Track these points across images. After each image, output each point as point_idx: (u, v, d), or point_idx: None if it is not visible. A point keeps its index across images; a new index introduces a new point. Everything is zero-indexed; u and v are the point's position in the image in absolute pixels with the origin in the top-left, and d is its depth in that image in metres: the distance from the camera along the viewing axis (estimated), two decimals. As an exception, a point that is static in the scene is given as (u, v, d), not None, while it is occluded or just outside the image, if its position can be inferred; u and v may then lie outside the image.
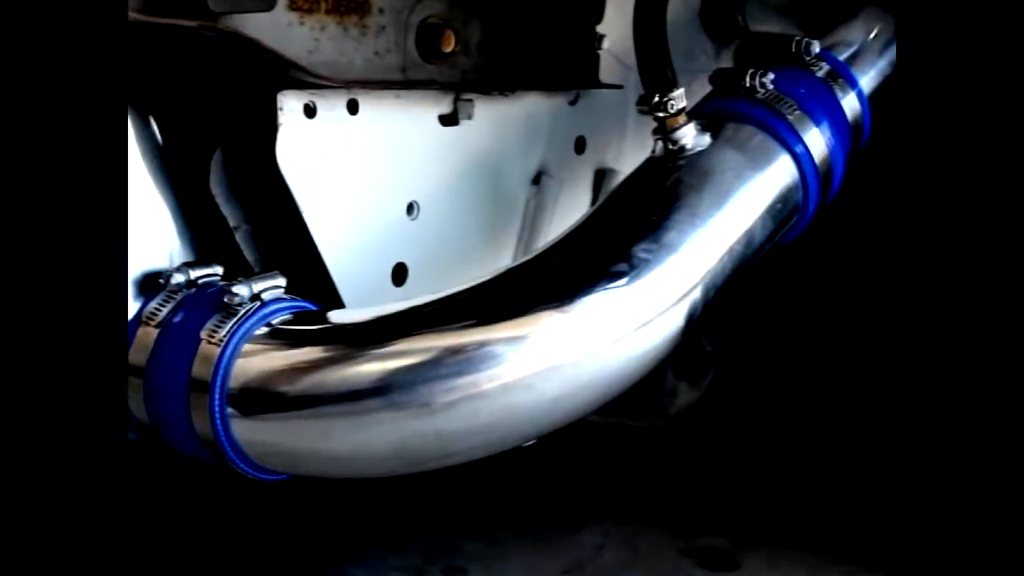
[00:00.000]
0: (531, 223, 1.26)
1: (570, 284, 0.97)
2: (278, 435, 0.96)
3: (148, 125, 1.05)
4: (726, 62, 1.42)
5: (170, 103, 1.06)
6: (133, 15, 0.87)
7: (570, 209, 1.31)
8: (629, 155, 1.36)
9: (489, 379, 0.93)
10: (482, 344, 0.93)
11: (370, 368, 0.93)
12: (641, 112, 1.07)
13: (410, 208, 1.16)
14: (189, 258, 1.06)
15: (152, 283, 1.03)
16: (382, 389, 0.93)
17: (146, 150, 1.04)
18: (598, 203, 1.05)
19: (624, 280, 0.98)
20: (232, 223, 1.09)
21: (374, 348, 0.94)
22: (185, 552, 1.51)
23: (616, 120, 1.35)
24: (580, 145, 1.32)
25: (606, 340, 0.97)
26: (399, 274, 1.16)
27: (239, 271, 1.07)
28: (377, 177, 1.12)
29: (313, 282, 1.09)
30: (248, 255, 1.10)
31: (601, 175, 1.34)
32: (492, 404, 0.94)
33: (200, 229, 1.08)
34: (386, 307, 1.01)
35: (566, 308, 0.96)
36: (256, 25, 0.97)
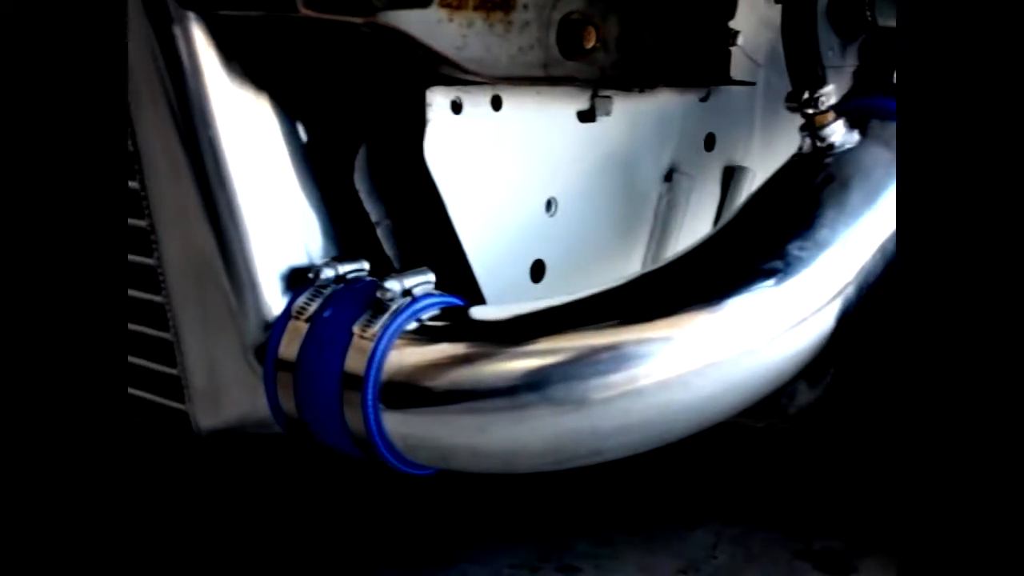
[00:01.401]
0: (663, 220, 1.26)
1: (724, 282, 0.96)
2: (431, 429, 0.96)
3: (293, 123, 1.06)
4: (851, 58, 1.41)
5: (317, 101, 1.07)
6: (303, 11, 0.87)
7: (700, 207, 1.30)
8: (756, 152, 1.35)
9: (645, 376, 0.93)
10: (639, 342, 0.93)
11: (527, 364, 0.93)
12: (790, 109, 1.06)
13: (548, 205, 1.16)
14: (331, 254, 1.07)
15: (299, 278, 1.04)
16: (539, 385, 0.93)
17: (291, 148, 1.05)
18: (745, 201, 1.05)
19: (778, 278, 0.97)
20: (374, 218, 1.10)
21: (530, 344, 0.94)
22: (303, 541, 1.52)
23: (745, 117, 1.34)
24: (710, 142, 1.31)
25: (761, 338, 0.96)
26: (537, 271, 1.16)
27: (379, 266, 1.08)
28: (518, 173, 1.12)
29: (455, 278, 1.09)
30: (388, 250, 1.10)
31: (730, 172, 1.33)
32: (647, 402, 0.94)
33: (341, 225, 1.09)
34: (530, 304, 1.01)
35: (721, 306, 0.95)
36: (409, 22, 0.97)
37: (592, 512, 1.61)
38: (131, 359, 1.14)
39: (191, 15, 0.99)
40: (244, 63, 1.02)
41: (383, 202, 1.10)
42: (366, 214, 1.09)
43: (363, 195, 1.08)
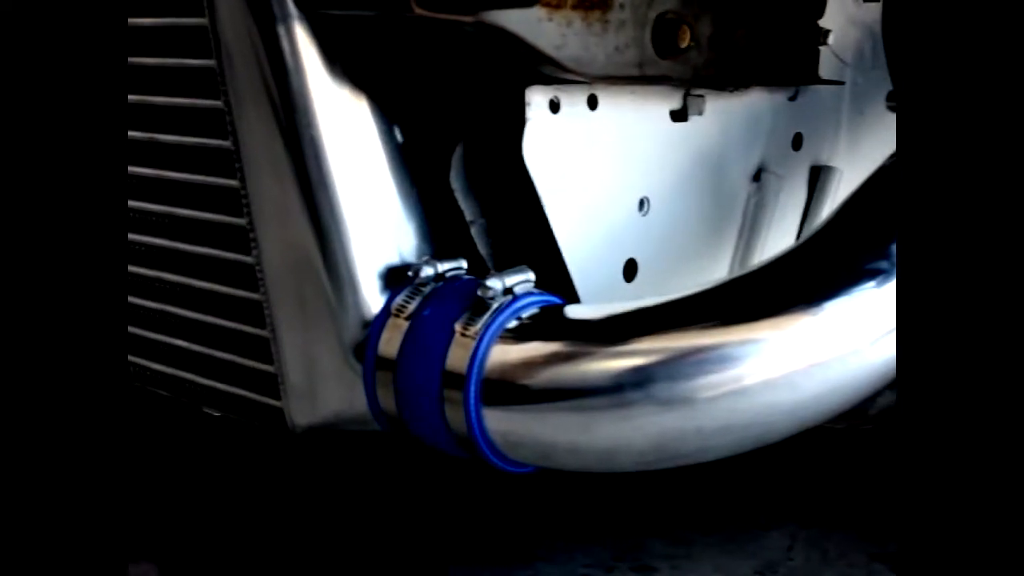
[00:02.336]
0: (751, 220, 1.25)
1: (829, 282, 0.96)
2: (533, 427, 0.96)
3: (390, 122, 1.06)
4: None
5: (414, 100, 1.07)
6: (417, 11, 0.88)
7: (787, 206, 1.29)
8: (843, 152, 1.34)
9: (751, 376, 0.92)
10: (744, 341, 0.93)
11: (632, 362, 0.93)
12: (891, 108, 1.06)
13: (641, 204, 1.16)
14: (426, 253, 1.07)
15: (396, 277, 1.05)
16: (644, 383, 0.92)
17: (389, 147, 1.06)
18: (846, 200, 1.04)
19: (882, 278, 0.96)
20: (468, 217, 1.10)
21: (634, 342, 0.94)
22: (381, 535, 1.53)
23: (832, 117, 1.33)
24: (798, 142, 1.30)
25: (865, 339, 0.95)
26: (630, 270, 1.16)
27: (472, 265, 1.08)
28: (612, 172, 1.12)
29: (550, 277, 1.09)
30: (482, 249, 1.11)
31: (816, 172, 1.33)
32: (752, 401, 0.93)
33: (436, 224, 1.09)
34: (628, 303, 1.01)
35: (826, 306, 0.94)
36: (513, 21, 0.97)
37: (667, 512, 1.61)
38: (228, 356, 1.16)
39: (295, 15, 1.00)
40: (344, 63, 1.02)
41: (478, 201, 1.10)
42: (460, 213, 1.09)
43: (458, 194, 1.09)
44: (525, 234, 1.09)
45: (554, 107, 1.06)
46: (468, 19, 0.92)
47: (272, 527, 1.57)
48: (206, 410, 1.24)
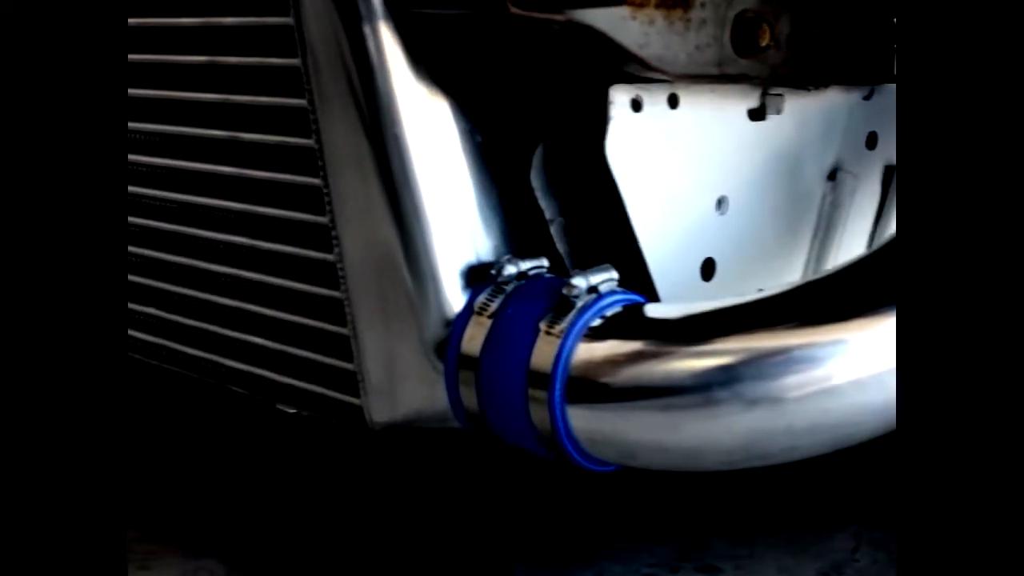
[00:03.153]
0: (826, 219, 1.25)
1: (917, 281, 0.95)
2: (620, 427, 0.96)
3: (472, 121, 1.06)
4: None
5: (496, 99, 1.07)
6: (513, 10, 0.88)
7: (861, 206, 1.29)
8: (916, 151, 1.33)
9: (840, 376, 0.92)
10: (833, 341, 0.92)
11: (720, 361, 0.93)
12: None
13: (719, 203, 1.15)
14: (506, 251, 1.07)
15: (478, 275, 1.05)
16: (733, 382, 0.92)
17: (471, 146, 1.06)
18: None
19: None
20: (548, 216, 1.10)
21: (722, 341, 0.94)
22: (446, 532, 1.54)
23: (905, 116, 1.32)
24: (872, 141, 1.30)
25: (954, 338, 0.95)
26: (707, 269, 1.15)
27: (550, 264, 1.09)
28: (692, 171, 1.12)
29: (629, 275, 1.09)
30: (560, 248, 1.11)
31: (890, 172, 1.32)
32: (842, 401, 0.93)
33: (516, 222, 1.09)
34: (710, 302, 1.01)
35: (914, 305, 0.94)
36: (600, 19, 0.97)
37: (730, 513, 1.60)
38: (306, 353, 1.16)
39: (381, 13, 1.00)
40: (429, 61, 1.03)
41: (557, 200, 1.10)
42: (540, 212, 1.10)
43: (538, 193, 1.09)
44: (605, 233, 1.09)
45: (636, 106, 1.07)
46: (560, 18, 0.92)
47: (336, 521, 1.58)
48: (280, 407, 1.25)
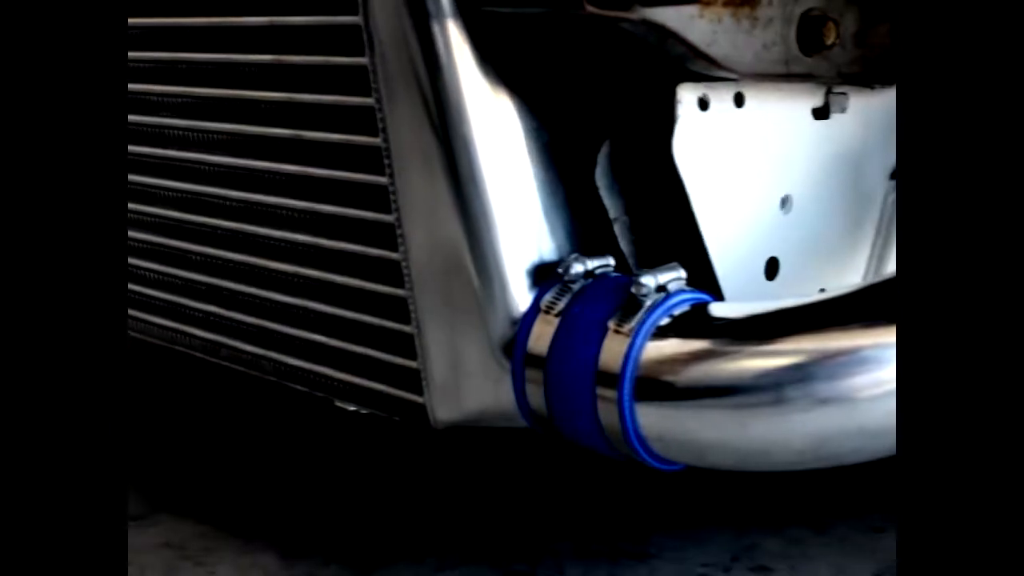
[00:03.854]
0: (889, 219, 1.24)
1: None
2: (690, 426, 0.96)
3: (539, 120, 1.06)
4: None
5: (563, 98, 1.07)
6: (588, 8, 0.88)
7: (923, 205, 1.28)
8: (977, 150, 1.33)
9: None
10: (906, 340, 0.92)
11: (792, 360, 0.93)
12: None
13: (783, 202, 1.15)
14: (571, 250, 1.07)
15: (544, 273, 1.05)
16: (805, 381, 0.92)
17: (538, 145, 1.06)
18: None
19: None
20: (612, 215, 1.10)
21: (793, 341, 0.94)
22: (496, 526, 1.54)
23: (967, 114, 1.31)
24: (933, 140, 1.29)
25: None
26: (771, 268, 1.15)
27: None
28: (757, 170, 1.12)
29: (694, 274, 1.08)
30: (624, 247, 1.11)
31: (952, 171, 1.31)
32: (914, 401, 0.92)
33: (581, 221, 1.09)
34: (776, 302, 1.01)
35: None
36: (669, 18, 0.97)
37: (782, 512, 1.60)
38: (368, 351, 1.17)
39: (449, 12, 1.00)
40: (497, 60, 1.03)
41: (622, 198, 1.10)
42: (604, 210, 1.09)
43: (603, 191, 1.09)
44: (670, 231, 1.09)
45: (703, 105, 1.06)
46: (634, 16, 0.92)
47: (389, 515, 1.59)
48: (340, 405, 1.26)
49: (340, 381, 1.21)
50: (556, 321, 1.02)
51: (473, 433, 1.71)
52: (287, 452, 1.84)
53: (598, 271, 1.04)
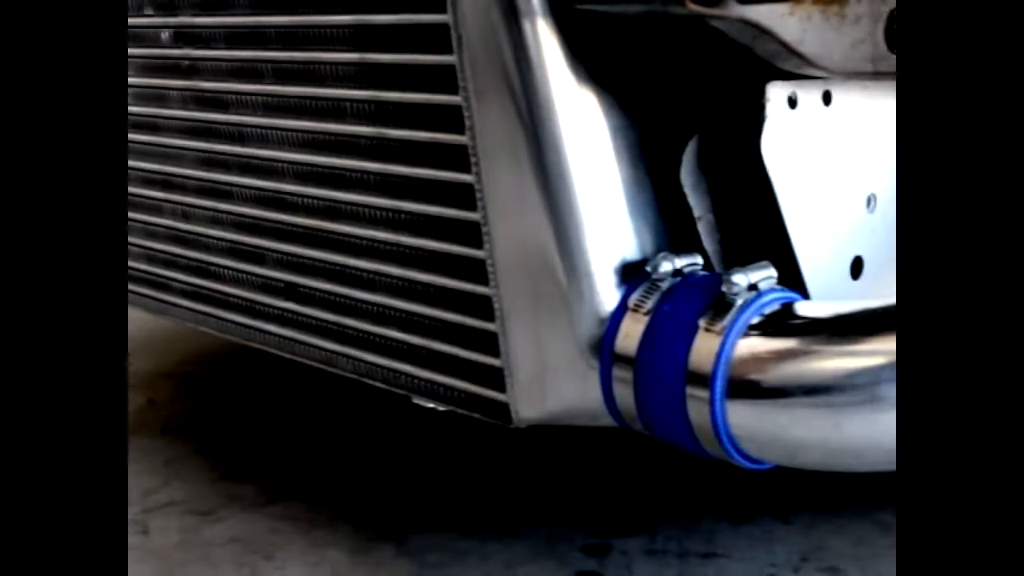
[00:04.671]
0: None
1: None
2: (782, 426, 0.96)
3: (628, 118, 1.06)
4: None
5: (651, 96, 1.07)
6: (691, 7, 0.88)
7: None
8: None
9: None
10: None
11: (887, 360, 0.92)
12: None
13: (869, 201, 1.14)
14: (656, 248, 1.07)
15: (630, 272, 1.05)
16: (901, 382, 0.91)
17: (626, 143, 1.06)
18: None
19: None
20: (696, 213, 1.10)
21: (886, 340, 0.93)
22: (563, 526, 1.55)
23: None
24: (1016, 138, 1.28)
25: None
26: (856, 267, 1.14)
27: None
28: (843, 169, 1.12)
29: (781, 273, 1.08)
30: (708, 246, 1.10)
31: (1033, 169, 1.30)
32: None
33: (667, 219, 1.09)
34: (863, 301, 1.00)
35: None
36: (762, 16, 0.97)
37: (851, 513, 1.59)
38: (450, 349, 1.17)
39: (540, 10, 1.00)
40: (587, 58, 1.03)
41: (706, 197, 1.10)
42: (688, 209, 1.09)
43: (688, 190, 1.08)
44: (756, 230, 1.09)
45: (792, 103, 1.06)
46: (731, 14, 0.91)
47: (455, 509, 1.60)
48: (417, 402, 1.26)
49: (420, 378, 1.22)
50: (645, 320, 1.02)
51: (543, 431, 1.72)
52: (355, 448, 1.85)
53: (686, 269, 1.04)
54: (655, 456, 1.72)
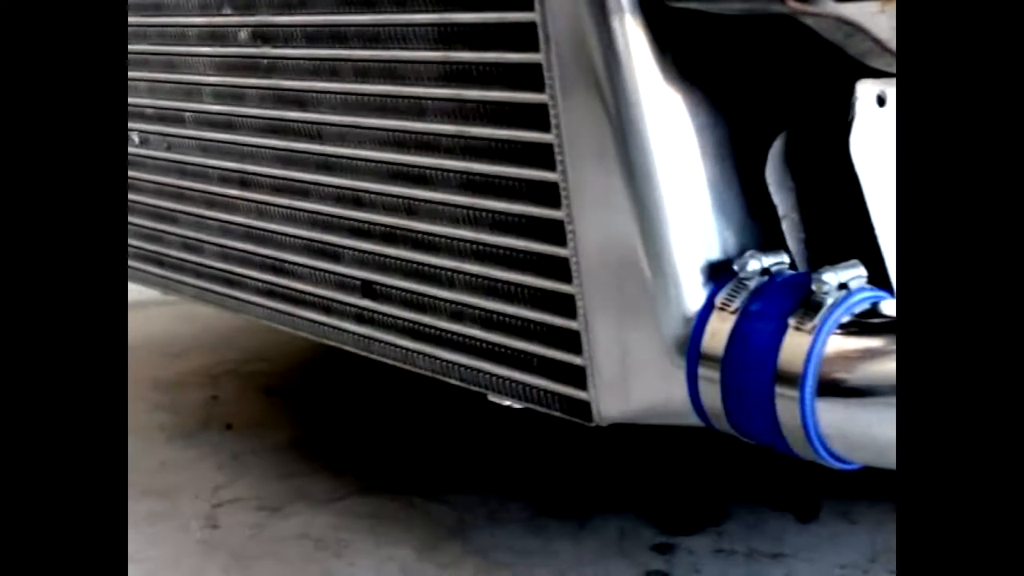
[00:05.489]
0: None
1: None
2: (873, 425, 0.95)
3: (717, 116, 1.06)
4: None
5: (740, 94, 1.07)
6: (791, 4, 0.88)
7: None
8: None
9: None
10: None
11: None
12: None
13: (954, 199, 1.14)
14: (744, 247, 1.07)
15: (717, 270, 1.05)
16: (997, 383, 0.91)
17: (714, 140, 1.06)
18: None
19: None
20: (781, 212, 1.09)
21: (983, 340, 0.92)
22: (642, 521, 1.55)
23: None
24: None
25: None
26: (941, 267, 1.14)
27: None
28: (929, 167, 1.11)
29: (868, 272, 1.07)
30: (792, 244, 1.10)
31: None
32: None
33: (751, 218, 1.09)
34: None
35: None
36: (855, 14, 0.96)
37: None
38: (530, 347, 1.17)
39: (630, 7, 1.00)
40: (676, 56, 1.02)
41: (792, 195, 1.09)
42: (773, 207, 1.09)
43: (773, 188, 1.08)
44: (843, 229, 1.08)
45: (881, 101, 1.05)
46: (826, 11, 0.91)
47: (520, 510, 1.60)
48: (493, 399, 1.26)
49: (498, 376, 1.22)
50: (732, 319, 1.02)
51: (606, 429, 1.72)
52: (421, 445, 1.86)
53: (773, 268, 1.04)
54: (714, 455, 1.72)
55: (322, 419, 2.00)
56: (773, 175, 1.08)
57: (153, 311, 2.57)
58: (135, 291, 2.58)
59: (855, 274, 1.00)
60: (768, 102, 1.08)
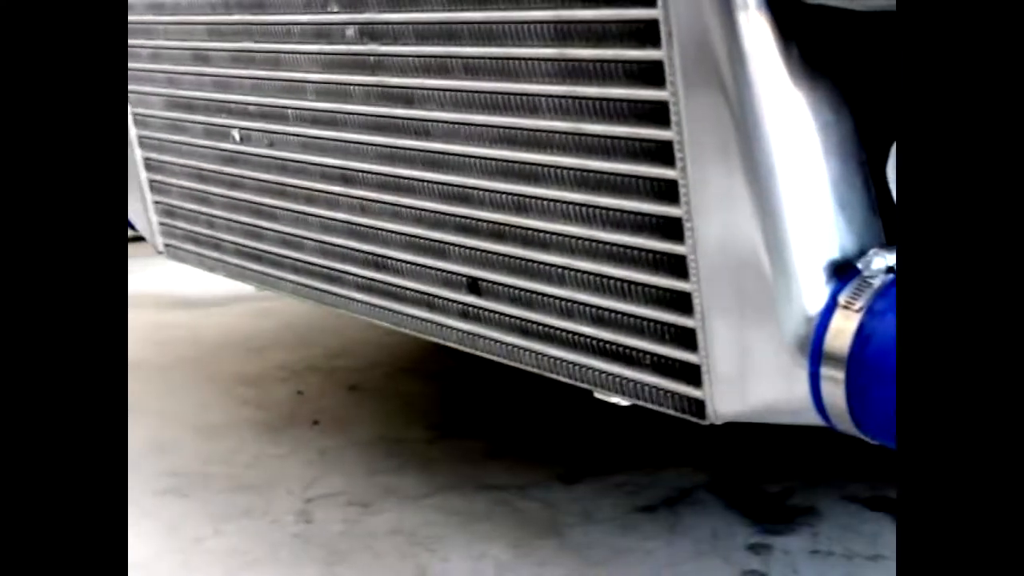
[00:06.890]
0: None
1: None
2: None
3: (842, 111, 1.05)
4: None
5: (864, 89, 1.06)
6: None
7: None
8: None
9: None
10: None
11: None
12: None
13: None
14: (867, 245, 1.06)
15: (840, 268, 1.04)
16: None
17: (836, 137, 1.05)
18: None
19: None
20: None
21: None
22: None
23: None
24: None
25: None
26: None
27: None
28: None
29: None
30: (911, 243, 1.09)
31: None
32: None
33: (873, 216, 1.08)
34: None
35: None
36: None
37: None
38: (641, 344, 1.17)
39: (755, 4, 0.99)
40: (802, 53, 1.02)
41: (912, 193, 1.08)
42: (893, 204, 1.08)
43: (892, 184, 1.07)
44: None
45: (1008, 98, 1.04)
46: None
47: (611, 512, 1.60)
48: (599, 396, 1.26)
49: (607, 373, 1.22)
50: (857, 318, 1.01)
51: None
52: (509, 442, 1.86)
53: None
54: (818, 458, 1.71)
55: (405, 416, 2.01)
56: (895, 172, 1.07)
57: (235, 307, 2.60)
58: (215, 288, 2.61)
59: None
60: (890, 99, 1.06)
